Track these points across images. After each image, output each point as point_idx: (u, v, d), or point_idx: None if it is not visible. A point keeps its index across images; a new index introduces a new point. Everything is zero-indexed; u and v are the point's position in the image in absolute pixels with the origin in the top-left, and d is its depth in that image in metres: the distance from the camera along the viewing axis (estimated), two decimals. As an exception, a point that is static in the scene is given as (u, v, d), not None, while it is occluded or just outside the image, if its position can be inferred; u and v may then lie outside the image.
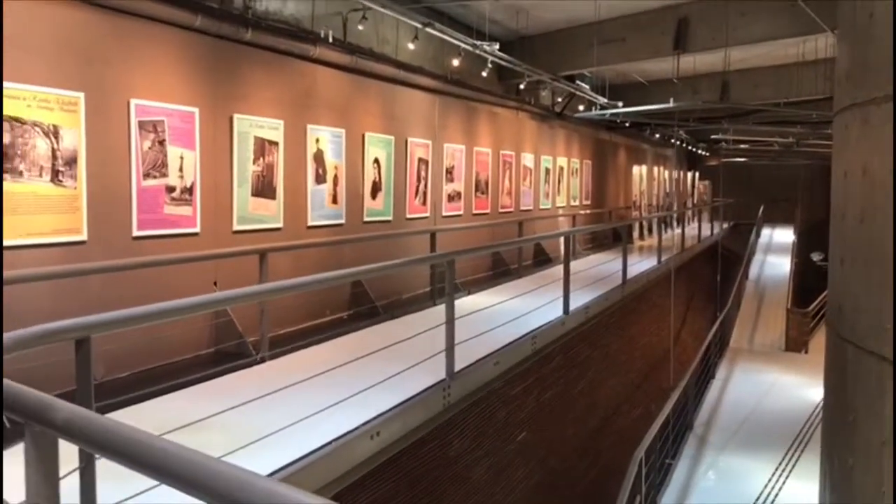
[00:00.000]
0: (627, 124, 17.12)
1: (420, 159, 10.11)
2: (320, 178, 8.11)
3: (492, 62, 10.44)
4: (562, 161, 15.88)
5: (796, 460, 9.24)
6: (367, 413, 4.37)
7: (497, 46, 9.96)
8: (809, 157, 27.68)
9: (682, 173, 32.65)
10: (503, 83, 12.68)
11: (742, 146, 24.31)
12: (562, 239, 9.38)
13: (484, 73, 10.79)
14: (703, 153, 32.60)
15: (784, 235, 30.63)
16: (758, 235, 29.01)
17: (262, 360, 5.66)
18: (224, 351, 6.24)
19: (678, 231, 17.13)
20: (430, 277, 9.20)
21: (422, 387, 4.96)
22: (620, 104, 14.79)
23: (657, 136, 22.17)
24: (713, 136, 19.00)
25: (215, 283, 6.54)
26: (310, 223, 7.97)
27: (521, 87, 12.37)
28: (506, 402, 6.45)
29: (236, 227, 7.01)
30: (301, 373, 4.98)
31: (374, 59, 9.03)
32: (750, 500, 8.01)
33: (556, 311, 7.74)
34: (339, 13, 8.76)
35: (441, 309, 7.92)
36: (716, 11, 10.21)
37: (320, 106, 8.21)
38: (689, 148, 29.64)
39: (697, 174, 36.53)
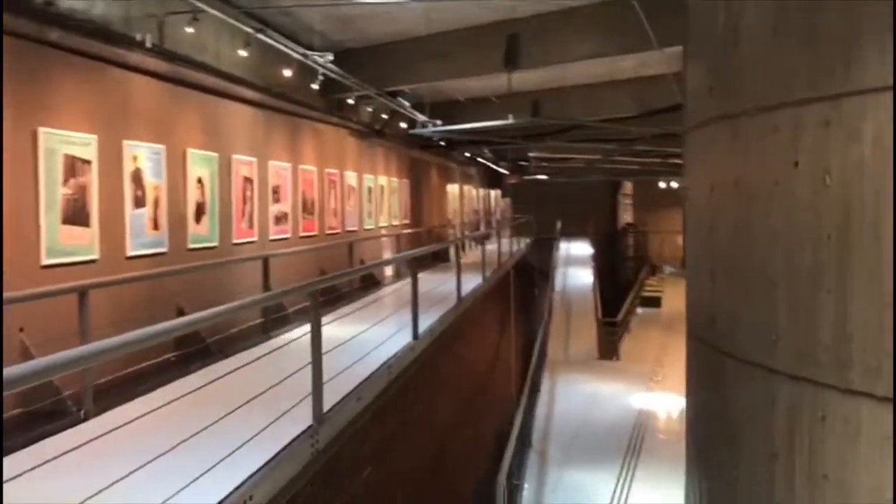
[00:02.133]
0: (443, 143, 17.16)
1: (245, 178, 9.33)
2: (139, 202, 7.16)
3: (319, 75, 9.89)
4: (382, 180, 15.58)
5: (634, 468, 9.49)
6: (232, 475, 3.71)
7: (331, 58, 9.44)
8: (606, 174, 29.51)
9: (486, 192, 33.61)
10: (324, 98, 12.14)
11: (544, 164, 25.39)
12: (390, 263, 8.97)
13: (315, 86, 10.22)
14: (505, 171, 33.82)
15: (581, 248, 32.37)
16: (558, 249, 30.47)
17: (86, 418, 4.75)
18: (35, 411, 5.20)
19: (489, 248, 17.40)
20: (261, 309, 8.45)
21: (285, 435, 4.35)
22: (439, 122, 14.75)
23: (467, 154, 22.53)
24: (531, 154, 19.56)
25: (21, 330, 5.48)
26: (129, 253, 6.99)
27: (350, 101, 11.90)
28: (362, 439, 5.94)
29: (45, 262, 5.94)
30: (139, 431, 4.20)
31: (195, 67, 8.19)
32: (602, 515, 8.04)
33: (405, 337, 7.34)
34: (154, 16, 7.83)
35: (279, 342, 7.23)
36: (547, 28, 10.32)
37: (138, 119, 7.28)
38: (492, 167, 30.59)
39: (499, 192, 37.83)
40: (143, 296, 6.72)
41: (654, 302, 25.33)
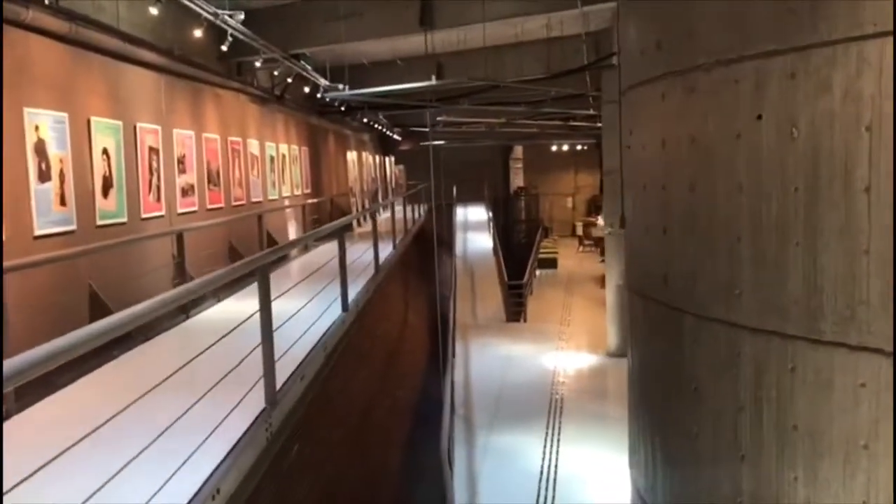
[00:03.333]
0: (343, 108, 16.69)
1: (151, 148, 8.69)
2: (44, 176, 6.49)
3: (221, 37, 9.28)
4: (283, 148, 15.01)
5: (559, 427, 9.61)
6: (192, 471, 3.40)
7: (242, 17, 8.85)
8: (501, 138, 29.69)
9: (381, 158, 33.21)
10: (225, 63, 11.48)
11: (444, 129, 25.23)
12: (323, 234, 8.60)
13: (224, 48, 9.58)
14: (398, 138, 33.49)
15: (477, 213, 32.60)
16: (455, 215, 30.57)
17: (8, 416, 4.26)
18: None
19: (387, 216, 17.17)
20: (175, 286, 7.91)
21: (237, 422, 4.04)
22: (341, 86, 14.28)
23: (365, 120, 22.08)
24: (439, 119, 19.31)
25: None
26: (37, 232, 6.34)
27: (257, 64, 11.27)
28: (308, 418, 5.67)
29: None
30: (69, 426, 3.79)
31: (96, 28, 7.47)
32: (534, 475, 8.08)
33: (335, 310, 7.06)
34: (44, -31, 7.08)
35: (197, 323, 6.80)
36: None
37: (38, 85, 6.57)
38: (386, 133, 30.21)
39: (393, 159, 37.47)
40: (53, 278, 6.12)
41: (551, 263, 25.81)
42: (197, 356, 4.91)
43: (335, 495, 6.50)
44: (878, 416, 3.47)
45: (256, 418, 4.12)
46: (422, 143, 33.07)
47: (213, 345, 4.41)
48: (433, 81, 12.10)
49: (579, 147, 34.29)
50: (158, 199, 8.84)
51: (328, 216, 18.40)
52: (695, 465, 4.70)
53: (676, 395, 4.88)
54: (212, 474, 3.37)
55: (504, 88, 13.82)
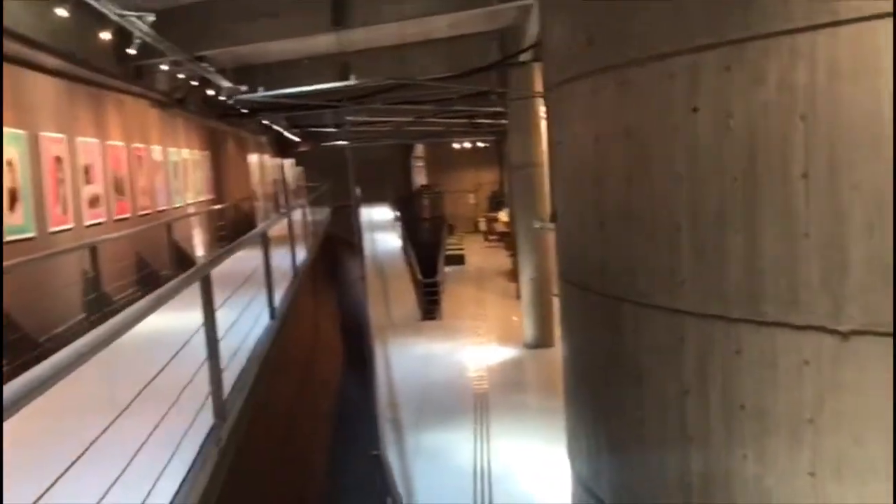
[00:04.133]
0: (245, 111, 16.25)
1: (56, 158, 8.19)
2: (-55, 191, 6.02)
3: (124, 39, 8.83)
4: (185, 153, 14.49)
5: (488, 422, 9.68)
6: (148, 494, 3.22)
7: (153, 18, 8.44)
8: (403, 137, 29.64)
9: (280, 161, 32.57)
10: (125, 66, 10.95)
11: (347, 129, 24.97)
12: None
13: (132, 51, 9.12)
14: (296, 139, 32.94)
15: (382, 213, 32.52)
16: (360, 216, 30.33)
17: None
18: None
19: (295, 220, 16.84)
20: (85, 303, 7.51)
21: (181, 438, 3.85)
22: (244, 88, 13.90)
23: (265, 122, 21.59)
24: (347, 118, 19.04)
25: None
26: (-59, 253, 5.87)
27: (164, 67, 10.80)
28: (250, 429, 5.49)
29: None
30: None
31: (-8, 32, 6.97)
32: (468, 472, 8.11)
33: (263, 318, 6.87)
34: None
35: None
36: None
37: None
38: (285, 134, 29.67)
39: (293, 161, 36.83)
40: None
41: (459, 260, 25.97)
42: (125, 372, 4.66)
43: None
44: (822, 391, 3.64)
45: (208, 434, 3.97)
46: (322, 144, 32.69)
47: (163, 365, 4.19)
48: (350, 82, 11.94)
49: (480, 144, 34.69)
50: (66, 211, 8.36)
51: (231, 222, 17.92)
52: (641, 450, 4.81)
53: (619, 382, 4.99)
54: (174, 499, 3.21)
55: (412, 87, 13.80)
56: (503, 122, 18.86)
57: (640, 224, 4.62)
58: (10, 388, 1.75)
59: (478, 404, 10.40)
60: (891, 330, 3.42)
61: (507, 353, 13.21)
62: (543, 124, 12.84)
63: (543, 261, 13.16)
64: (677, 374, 4.42)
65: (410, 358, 13.16)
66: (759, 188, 3.84)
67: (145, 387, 3.28)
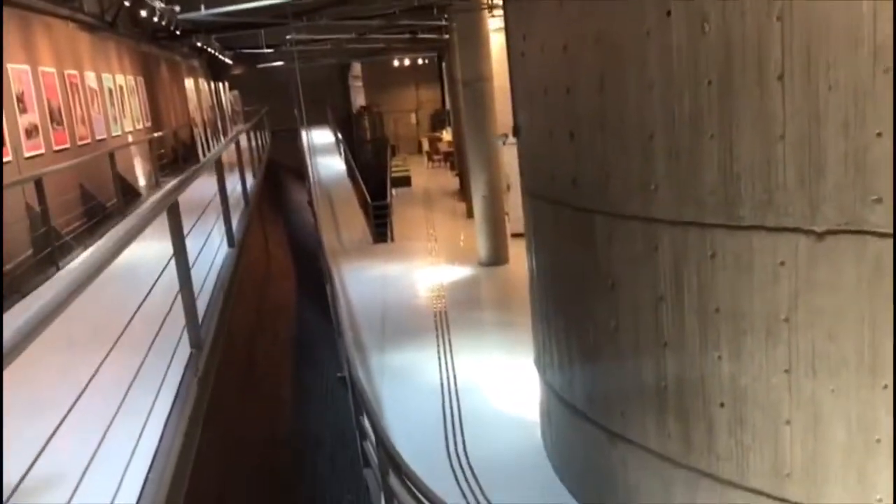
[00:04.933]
0: (177, 33, 15.51)
1: (-14, 86, 7.69)
2: None
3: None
4: (120, 79, 13.83)
5: (450, 339, 9.76)
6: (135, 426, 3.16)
7: None
8: (340, 56, 28.82)
9: (215, 85, 31.47)
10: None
11: (284, 49, 24.10)
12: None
13: None
14: (229, 62, 31.78)
15: (324, 136, 31.87)
16: (301, 139, 29.72)
17: None
18: None
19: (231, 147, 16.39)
20: (33, 240, 7.20)
21: (160, 371, 3.76)
22: (177, 8, 13.22)
23: (199, 45, 20.70)
24: (288, 37, 18.32)
25: None
26: None
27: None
28: (223, 359, 5.42)
29: None
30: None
31: None
32: (435, 389, 8.20)
33: (222, 247, 6.72)
34: None
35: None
36: None
37: None
38: (217, 56, 28.58)
39: (227, 84, 35.62)
40: None
41: (405, 181, 25.71)
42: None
43: (249, 432, 6.35)
44: (798, 290, 3.74)
45: (187, 364, 3.89)
46: (258, 66, 31.60)
47: (145, 298, 4.05)
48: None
49: (421, 62, 33.97)
50: (2, 143, 7.92)
51: (171, 150, 17.36)
52: (616, 357, 4.92)
53: (591, 293, 5.04)
54: (163, 432, 3.16)
55: (356, 2, 13.28)
56: (445, 36, 18.44)
57: (612, 133, 4.59)
58: (7, 333, 1.65)
59: (438, 322, 10.48)
60: (863, 228, 3.50)
61: (463, 271, 13.25)
62: (494, 37, 12.58)
63: (495, 178, 13.10)
64: (652, 281, 4.48)
65: (366, 281, 13.10)
66: (734, 91, 3.82)
67: (129, 321, 3.16)
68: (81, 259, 2.62)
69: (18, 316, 5.13)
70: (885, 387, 3.52)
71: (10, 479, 2.25)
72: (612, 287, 4.76)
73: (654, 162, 4.27)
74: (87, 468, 2.41)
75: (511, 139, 6.57)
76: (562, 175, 5.14)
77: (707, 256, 4.09)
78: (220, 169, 6.84)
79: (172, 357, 3.75)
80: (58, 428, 2.25)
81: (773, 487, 4.01)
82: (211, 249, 6.21)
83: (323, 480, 9.20)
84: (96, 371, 2.63)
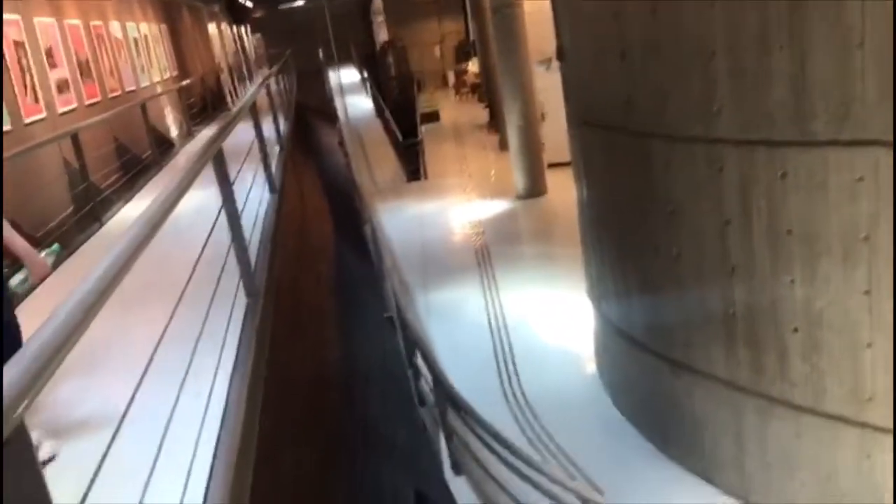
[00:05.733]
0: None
1: (16, 42, 7.56)
2: None
3: None
4: (144, 28, 13.64)
5: (494, 275, 9.67)
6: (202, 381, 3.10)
7: None
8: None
9: (237, 29, 31.09)
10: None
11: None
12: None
13: None
14: (249, 4, 31.33)
15: (349, 75, 31.45)
16: (328, 80, 29.38)
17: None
18: None
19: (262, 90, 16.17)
20: (73, 197, 7.15)
21: (222, 321, 3.69)
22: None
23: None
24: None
25: None
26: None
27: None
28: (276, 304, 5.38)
29: None
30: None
31: None
32: (483, 326, 8.14)
33: (265, 194, 6.63)
34: None
35: (118, 228, 6.32)
36: None
37: None
38: (237, 1, 28.18)
39: (249, 28, 35.17)
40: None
41: (434, 117, 25.36)
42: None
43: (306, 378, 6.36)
44: (879, 208, 3.54)
45: (245, 315, 3.83)
46: (279, 7, 31.11)
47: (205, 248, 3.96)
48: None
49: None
50: (36, 100, 7.83)
51: (200, 98, 17.21)
52: (678, 285, 4.77)
53: (649, 220, 4.87)
54: (230, 383, 3.11)
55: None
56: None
57: (668, 54, 4.35)
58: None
59: (480, 258, 10.37)
60: (954, 137, 3.27)
61: (501, 205, 13.07)
62: (523, -40, 12.11)
63: (529, 107, 12.76)
64: (716, 205, 4.29)
65: (403, 220, 13.01)
66: (806, 1, 3.57)
67: (191, 275, 3.09)
68: (139, 215, 2.53)
69: (74, 276, 5.10)
70: (977, 305, 3.35)
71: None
72: (673, 213, 4.59)
73: (716, 81, 4.04)
74: (168, 423, 2.36)
75: (555, 64, 6.30)
76: (613, 99, 4.92)
77: (777, 176, 3.89)
78: (255, 114, 6.68)
79: (232, 309, 3.68)
80: (140, 382, 2.18)
81: (854, 412, 3.88)
82: (255, 197, 6.11)
83: (374, 418, 9.28)
84: (165, 329, 2.56)
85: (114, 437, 1.96)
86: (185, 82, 14.71)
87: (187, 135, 12.61)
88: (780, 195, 3.91)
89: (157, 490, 2.19)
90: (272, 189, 6.78)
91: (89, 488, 1.84)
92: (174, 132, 13.21)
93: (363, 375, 10.11)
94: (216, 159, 3.76)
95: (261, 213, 6.03)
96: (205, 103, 16.79)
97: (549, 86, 12.98)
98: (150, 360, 2.30)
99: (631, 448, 5.49)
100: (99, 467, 1.87)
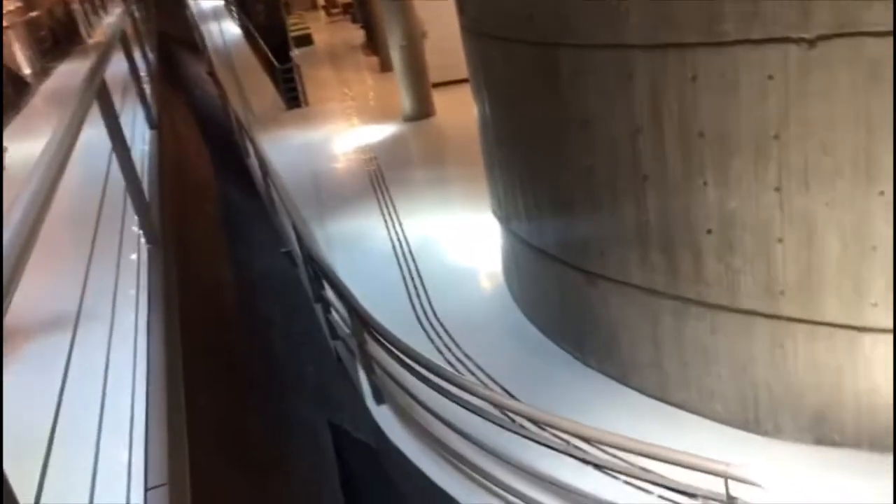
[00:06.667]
0: None
1: None
2: None
3: None
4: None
5: (391, 199, 9.50)
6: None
7: None
8: None
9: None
10: None
11: None
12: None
13: None
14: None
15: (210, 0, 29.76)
16: (188, 6, 27.77)
17: None
18: None
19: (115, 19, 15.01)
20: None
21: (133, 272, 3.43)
22: None
23: None
24: None
25: None
26: None
27: None
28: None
29: None
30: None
31: None
32: (388, 252, 8.01)
33: (142, 129, 6.16)
34: None
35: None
36: None
37: None
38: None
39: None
40: None
41: (306, 40, 24.39)
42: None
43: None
44: (788, 104, 3.59)
45: (148, 261, 3.55)
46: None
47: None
48: None
49: None
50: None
51: (50, 31, 15.80)
52: (591, 197, 4.76)
53: (559, 133, 4.80)
54: (149, 333, 2.87)
55: None
56: None
57: (572, -45, 4.21)
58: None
59: (375, 185, 10.15)
60: (859, 30, 3.32)
61: (388, 129, 12.79)
62: None
63: (412, 26, 12.40)
64: (627, 113, 4.26)
65: (289, 150, 12.51)
66: None
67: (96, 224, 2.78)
68: (33, 166, 2.22)
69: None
70: (882, 193, 3.48)
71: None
72: (583, 125, 4.54)
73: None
74: (105, 375, 2.16)
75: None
76: (514, 7, 4.76)
77: (688, 79, 3.87)
78: (127, 43, 6.14)
79: (138, 255, 3.40)
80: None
81: (766, 306, 4.03)
82: (137, 135, 5.67)
83: (282, 356, 9.09)
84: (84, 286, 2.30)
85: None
86: (31, 14, 13.42)
87: (41, 73, 11.58)
88: (690, 98, 3.91)
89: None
90: (151, 125, 6.32)
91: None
92: (27, 70, 12.09)
93: (265, 316, 9.86)
94: (100, 94, 3.39)
95: (146, 152, 5.61)
96: (56, 37, 15.43)
97: (427, 3, 12.65)
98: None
99: (548, 360, 5.57)
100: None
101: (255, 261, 10.67)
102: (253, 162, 11.15)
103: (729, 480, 2.97)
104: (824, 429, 4.10)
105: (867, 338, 3.75)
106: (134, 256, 3.43)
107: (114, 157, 3.48)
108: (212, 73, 18.29)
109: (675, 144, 4.07)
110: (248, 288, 9.36)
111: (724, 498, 3.01)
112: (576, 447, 4.00)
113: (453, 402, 4.34)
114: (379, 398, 5.45)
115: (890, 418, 3.91)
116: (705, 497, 3.17)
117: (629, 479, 4.01)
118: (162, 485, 2.01)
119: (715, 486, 3.16)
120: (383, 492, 7.40)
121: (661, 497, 3.96)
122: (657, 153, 4.17)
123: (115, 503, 1.91)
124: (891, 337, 3.71)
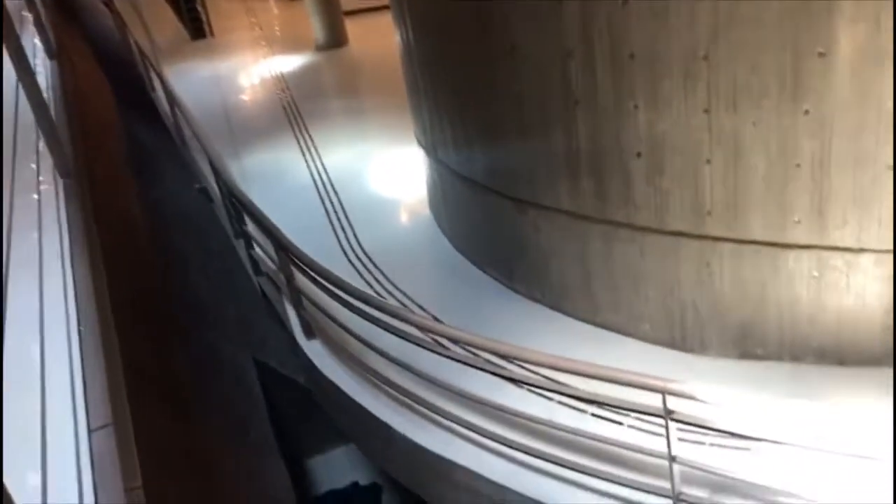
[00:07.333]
0: None
1: None
2: None
3: None
4: None
5: (307, 130, 9.26)
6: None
7: None
8: None
9: None
10: None
11: None
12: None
13: None
14: None
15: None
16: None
17: None
18: None
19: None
20: None
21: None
22: None
23: None
24: None
25: None
26: None
27: None
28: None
29: None
30: None
31: None
32: (309, 186, 7.83)
33: (44, 60, 5.74)
34: None
35: None
36: None
37: None
38: None
39: None
40: None
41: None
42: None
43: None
44: (717, 26, 3.61)
45: (66, 196, 3.34)
46: None
47: None
48: None
49: None
50: None
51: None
52: (521, 125, 4.73)
53: (487, 59, 4.71)
54: (74, 272, 2.71)
55: None
56: None
57: None
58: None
59: (290, 117, 9.84)
60: (788, -52, 3.34)
61: (301, 59, 12.38)
62: None
63: (319, -50, 11.93)
64: (557, 37, 4.21)
65: (197, 82, 11.97)
66: None
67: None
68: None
69: None
70: (807, 112, 3.57)
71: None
72: (512, 50, 4.47)
73: None
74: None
75: None
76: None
77: (619, 2, 3.84)
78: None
79: (56, 190, 3.18)
80: None
81: (693, 227, 4.13)
82: (38, 65, 5.28)
83: (202, 294, 8.86)
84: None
85: None
86: None
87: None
88: (621, 21, 3.88)
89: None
90: (51, 55, 5.90)
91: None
92: None
93: (182, 253, 9.55)
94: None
95: (49, 84, 5.24)
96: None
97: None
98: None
99: (478, 288, 5.60)
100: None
101: (167, 197, 10.27)
102: (160, 96, 10.63)
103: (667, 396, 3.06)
104: (748, 343, 4.28)
105: (791, 254, 3.90)
106: (56, 190, 3.22)
107: (20, 88, 3.22)
108: (108, 3, 17.21)
109: (605, 68, 4.06)
110: (162, 225, 9.02)
111: (662, 412, 3.11)
112: (504, 368, 4.04)
113: (386, 330, 4.30)
114: (309, 333, 5.38)
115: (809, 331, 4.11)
116: (642, 412, 3.27)
117: (563, 400, 4.11)
118: (107, 425, 1.92)
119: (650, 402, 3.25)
120: (313, 429, 7.41)
121: (594, 415, 4.07)
122: (588, 77, 4.16)
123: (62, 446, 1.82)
124: (813, 252, 3.87)
